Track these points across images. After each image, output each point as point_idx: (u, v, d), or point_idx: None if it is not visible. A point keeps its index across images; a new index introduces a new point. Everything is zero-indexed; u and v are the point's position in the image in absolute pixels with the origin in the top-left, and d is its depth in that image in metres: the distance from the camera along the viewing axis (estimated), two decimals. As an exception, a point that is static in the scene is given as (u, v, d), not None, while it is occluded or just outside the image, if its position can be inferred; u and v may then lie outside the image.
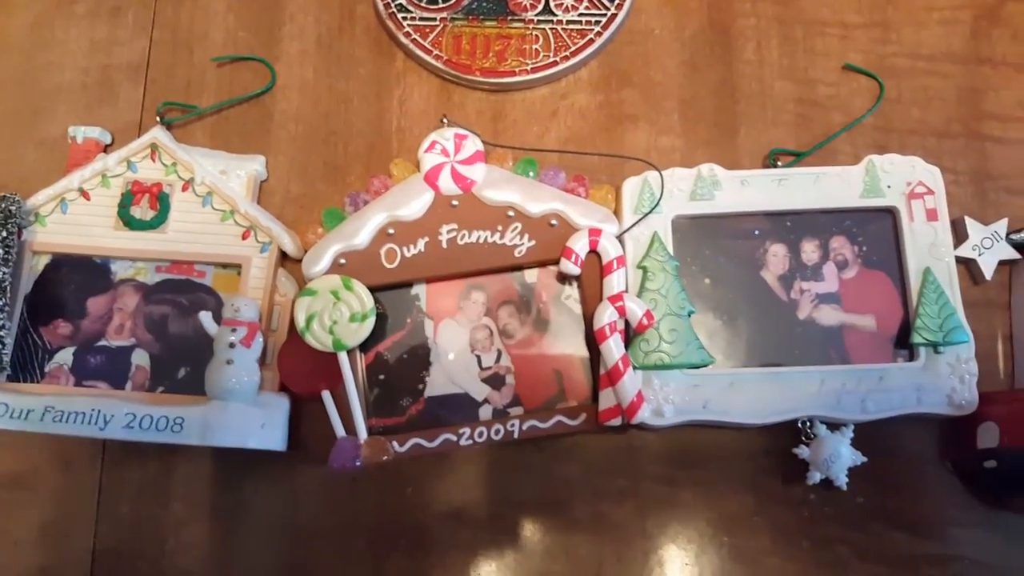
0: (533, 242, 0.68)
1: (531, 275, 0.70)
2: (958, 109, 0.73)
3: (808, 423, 0.66)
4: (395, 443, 0.66)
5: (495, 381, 0.68)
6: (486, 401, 0.68)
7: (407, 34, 0.75)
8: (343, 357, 0.66)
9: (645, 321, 0.64)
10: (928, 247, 0.68)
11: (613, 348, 0.64)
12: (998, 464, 0.62)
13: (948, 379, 0.65)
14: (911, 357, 0.66)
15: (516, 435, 0.66)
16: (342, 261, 0.67)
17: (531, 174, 0.70)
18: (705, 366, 0.66)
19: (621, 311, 0.65)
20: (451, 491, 0.68)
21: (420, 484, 0.68)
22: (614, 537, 0.66)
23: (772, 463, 0.67)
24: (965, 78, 0.74)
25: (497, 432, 0.66)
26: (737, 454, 0.67)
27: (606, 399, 0.65)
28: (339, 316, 0.66)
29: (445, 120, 0.71)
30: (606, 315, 0.65)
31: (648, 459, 0.68)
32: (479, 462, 0.68)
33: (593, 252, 0.67)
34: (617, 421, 0.64)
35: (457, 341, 0.69)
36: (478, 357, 0.69)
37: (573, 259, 0.67)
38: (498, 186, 0.69)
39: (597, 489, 0.67)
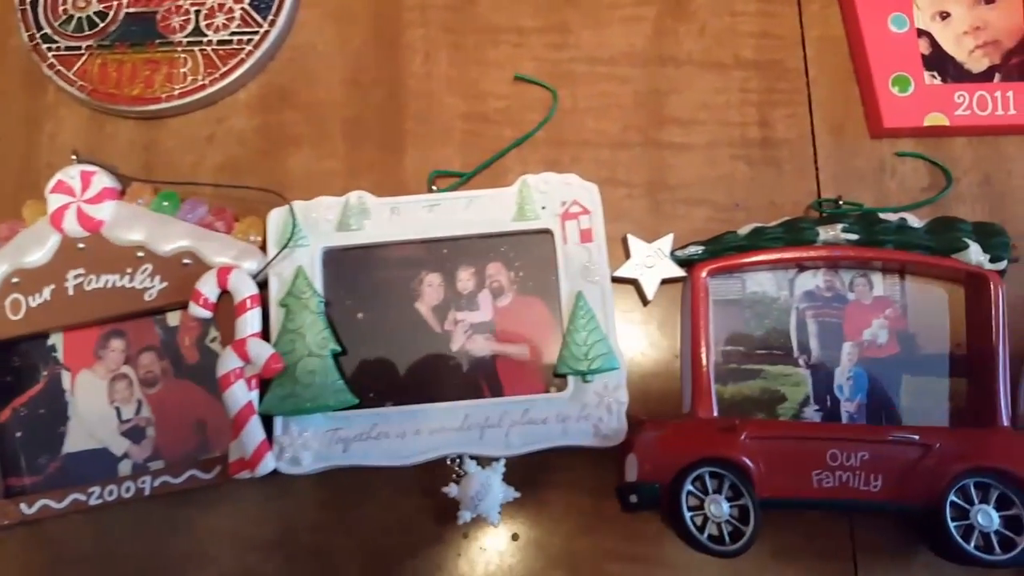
0: (165, 284, 0.64)
1: (173, 318, 0.66)
2: (637, 115, 0.69)
3: (458, 460, 0.63)
4: (23, 505, 0.63)
5: (135, 434, 0.65)
6: (126, 455, 0.64)
7: (51, 65, 0.70)
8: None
9: (273, 365, 0.61)
10: (581, 270, 0.64)
11: (237, 396, 0.61)
12: (638, 499, 0.59)
13: (595, 409, 0.62)
14: (563, 387, 0.64)
15: (147, 492, 0.62)
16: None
17: (169, 208, 0.66)
18: (346, 408, 0.63)
19: (244, 356, 0.61)
20: (93, 551, 0.64)
21: (61, 546, 0.64)
22: (264, 591, 0.64)
23: (428, 503, 0.63)
24: (646, 81, 0.70)
25: (128, 490, 0.63)
26: (393, 495, 0.64)
27: (235, 450, 0.62)
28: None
29: (75, 156, 0.66)
30: (229, 362, 0.61)
31: (300, 506, 0.64)
32: (125, 518, 0.64)
33: (227, 292, 0.64)
34: (247, 474, 0.61)
35: (95, 393, 0.65)
36: (117, 409, 0.65)
37: (201, 302, 0.63)
38: (128, 225, 0.65)
39: (245, 541, 0.64)
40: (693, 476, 0.58)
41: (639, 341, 0.66)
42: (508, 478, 0.63)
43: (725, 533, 0.57)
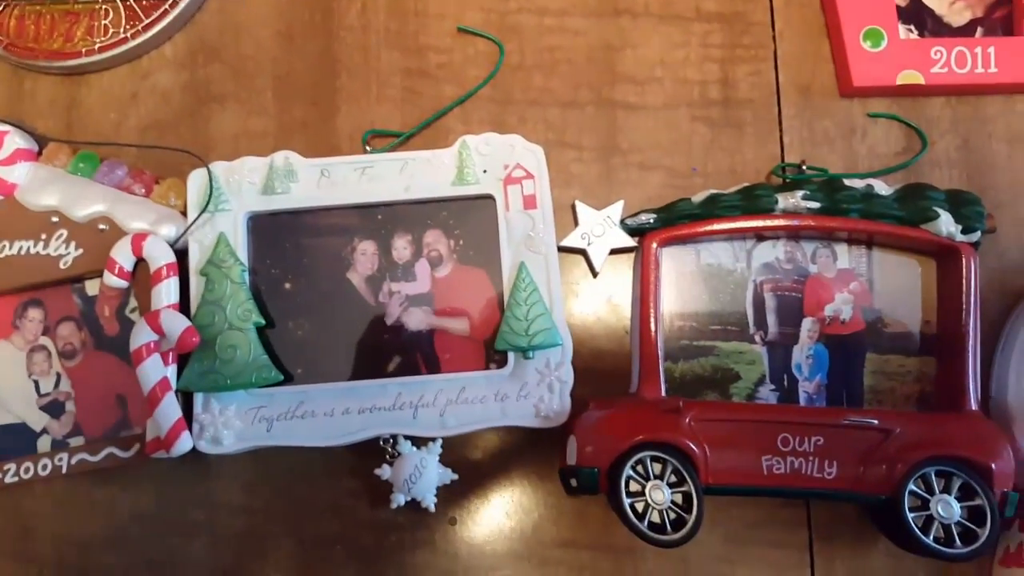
0: (81, 251, 0.60)
1: (92, 287, 0.62)
2: (588, 72, 0.64)
3: (392, 440, 0.59)
4: (-65, 483, 0.60)
5: (54, 409, 0.61)
6: (45, 431, 0.61)
7: (-34, 18, 0.66)
8: None
9: (188, 339, 0.57)
10: (524, 239, 0.60)
11: (151, 371, 0.57)
12: (578, 483, 0.55)
13: (537, 388, 0.58)
14: (505, 363, 0.60)
15: (65, 470, 0.59)
16: None
17: (86, 170, 0.62)
18: (271, 385, 0.59)
19: (158, 329, 0.58)
20: (8, 530, 0.61)
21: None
22: (186, 575, 0.61)
23: (362, 485, 0.60)
24: (599, 34, 0.65)
25: (44, 468, 0.59)
26: (325, 477, 0.61)
27: (152, 428, 0.58)
28: None
29: (-13, 114, 0.63)
30: (142, 335, 0.57)
31: (226, 488, 0.61)
32: (45, 497, 0.61)
33: (143, 260, 0.60)
34: (163, 454, 0.58)
35: (13, 365, 0.62)
36: (36, 382, 0.62)
37: (116, 271, 0.59)
38: (42, 188, 0.61)
39: (169, 523, 0.61)
40: (634, 461, 0.54)
41: (587, 316, 0.62)
42: (445, 459, 0.59)
43: (667, 521, 0.53)
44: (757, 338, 0.60)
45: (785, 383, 0.60)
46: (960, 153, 0.63)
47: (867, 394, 0.59)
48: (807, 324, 0.60)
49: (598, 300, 0.62)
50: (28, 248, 0.60)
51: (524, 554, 0.60)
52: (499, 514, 0.60)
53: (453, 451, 0.60)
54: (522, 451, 0.61)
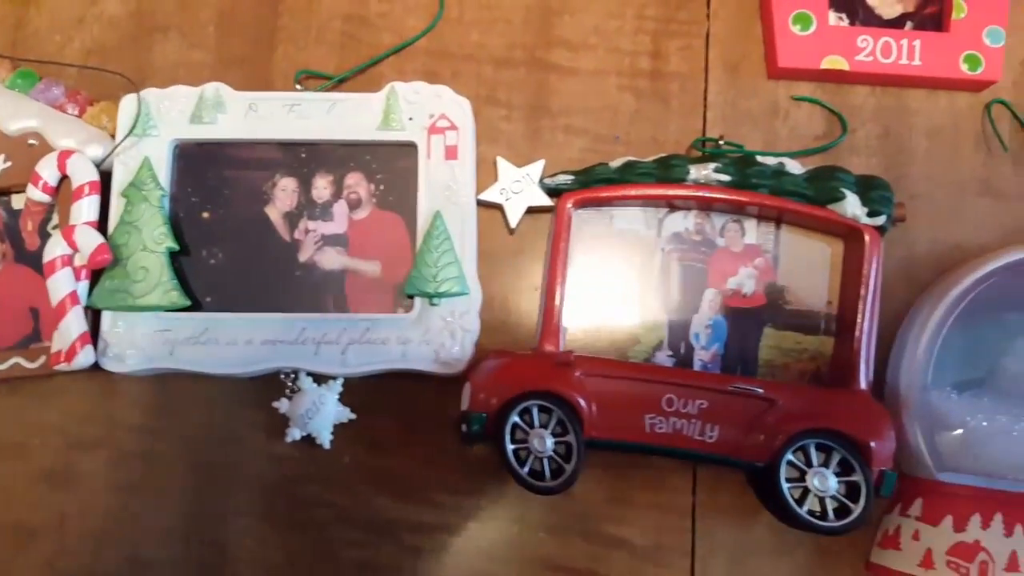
0: (9, 163, 0.61)
1: (18, 201, 0.63)
2: (525, 33, 0.65)
3: (293, 375, 0.60)
4: None
5: (-33, 316, 0.63)
6: (-44, 337, 0.63)
7: (-83, -74, 0.67)
8: None
9: (99, 256, 0.58)
10: (443, 188, 0.61)
11: (61, 284, 0.58)
12: (467, 429, 0.56)
13: (439, 334, 0.59)
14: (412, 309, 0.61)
15: (-31, 377, 0.61)
16: None
17: (23, 86, 0.62)
18: (178, 310, 0.60)
19: (72, 244, 0.59)
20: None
21: None
22: (81, 489, 0.61)
23: (260, 417, 0.61)
24: (539, -4, 0.66)
25: (-51, 373, 0.61)
26: (225, 405, 0.61)
27: (57, 341, 0.59)
28: None
29: (-72, 23, 0.64)
30: (56, 248, 0.58)
31: (127, 407, 0.62)
32: (-49, 403, 0.63)
33: (67, 177, 0.61)
34: (64, 366, 0.59)
35: (-69, 270, 0.63)
36: (-48, 289, 0.63)
37: (40, 185, 0.60)
38: (-25, 100, 0.62)
39: (70, 437, 0.62)
40: (520, 408, 0.55)
41: (502, 270, 0.63)
42: (347, 400, 0.60)
43: (547, 469, 0.54)
44: (660, 305, 0.61)
45: (682, 350, 0.61)
46: (879, 142, 0.64)
47: (761, 367, 0.60)
48: (709, 295, 0.61)
49: (516, 257, 0.63)
50: (-44, 157, 0.62)
51: (415, 498, 0.61)
52: (394, 458, 0.61)
53: (357, 393, 0.61)
54: (424, 399, 0.61)
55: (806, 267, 0.61)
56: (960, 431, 0.57)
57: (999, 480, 0.56)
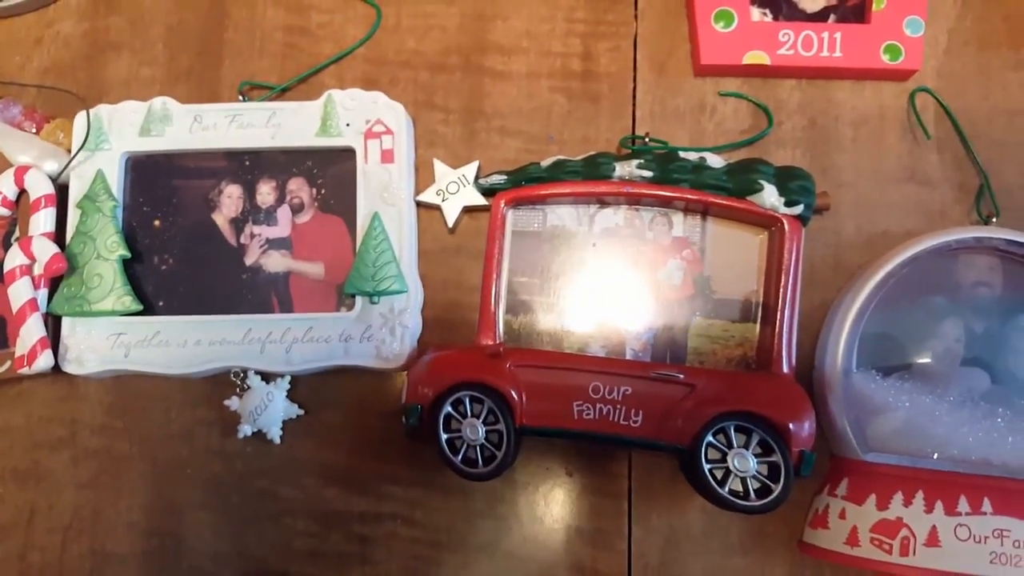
0: (-30, 180, 0.65)
1: (-19, 215, 0.67)
2: (460, 39, 0.68)
3: (243, 374, 0.63)
4: None
5: (-63, 325, 0.66)
6: (-74, 346, 0.66)
7: None
8: None
9: (54, 264, 0.61)
10: (380, 191, 0.63)
11: (20, 292, 0.62)
12: (405, 419, 0.58)
13: (379, 331, 0.62)
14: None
15: (-63, 382, 0.64)
16: None
17: (-19, 107, 0.66)
18: (131, 314, 0.63)
19: (29, 254, 0.62)
20: None
21: None
22: (46, 487, 0.65)
23: (214, 415, 0.64)
24: (473, 4, 0.68)
25: (-80, 378, 0.64)
26: (178, 404, 0.64)
27: (20, 346, 0.62)
28: None
29: None
30: (15, 258, 0.62)
31: (88, 408, 0.65)
32: (-77, 408, 0.66)
33: (25, 191, 0.64)
34: (26, 369, 0.62)
35: (-99, 283, 0.67)
36: (-79, 300, 0.66)
37: (0, 200, 0.63)
38: (-64, 120, 0.65)
39: (35, 437, 0.65)
40: (453, 399, 0.57)
41: (444, 269, 0.65)
42: (296, 396, 0.63)
43: (480, 456, 0.57)
44: (592, 297, 0.63)
45: (614, 340, 0.63)
46: (805, 133, 0.65)
47: (690, 355, 0.62)
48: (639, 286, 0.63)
49: (457, 255, 0.65)
50: (-77, 174, 0.65)
51: (361, 489, 0.63)
52: (342, 451, 0.64)
53: (305, 389, 0.64)
54: (370, 394, 0.64)
55: (734, 257, 0.63)
56: (884, 413, 0.59)
57: (922, 459, 0.58)
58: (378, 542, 0.63)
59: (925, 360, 0.61)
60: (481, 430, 0.57)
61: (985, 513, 0.55)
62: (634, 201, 0.63)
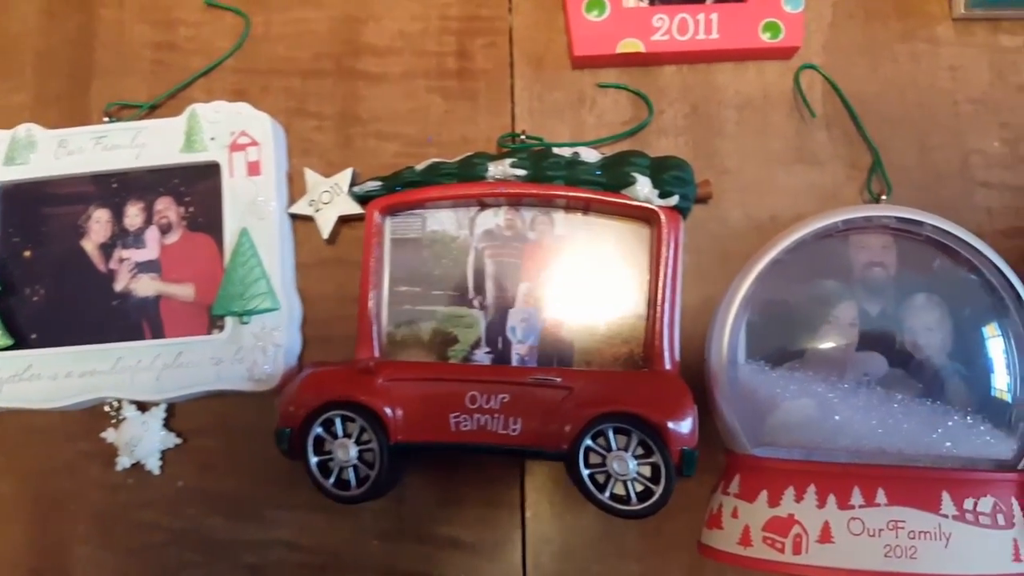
0: None
1: None
2: (331, 43, 0.66)
3: (117, 404, 0.61)
4: None
5: None
6: None
7: None
8: None
9: (-86, 303, 0.60)
10: (248, 205, 0.61)
11: None
12: (277, 443, 0.56)
13: (251, 352, 0.60)
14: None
15: None
16: None
17: None
18: (2, 349, 0.61)
19: None
20: None
21: None
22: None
23: (95, 448, 0.62)
24: (343, 7, 0.66)
25: None
26: (56, 438, 0.62)
27: None
28: None
29: None
30: None
31: (-32, 445, 0.63)
32: None
33: None
34: None
35: None
36: None
37: None
38: None
39: (-88, 479, 0.63)
40: (323, 420, 0.55)
41: (324, 283, 0.63)
42: (174, 424, 0.61)
43: (352, 478, 0.55)
44: (476, 303, 0.61)
45: (499, 346, 0.60)
46: (687, 120, 0.63)
47: (576, 355, 0.60)
48: (523, 289, 0.61)
49: (336, 267, 0.63)
50: None
51: (246, 516, 0.61)
52: (223, 478, 0.62)
53: (183, 417, 0.62)
54: (248, 418, 0.61)
55: (616, 254, 0.61)
56: (776, 405, 0.57)
57: (815, 452, 0.56)
58: (267, 570, 0.61)
59: (819, 347, 0.59)
60: (353, 450, 0.55)
61: (879, 504, 0.53)
62: (515, 202, 0.61)
